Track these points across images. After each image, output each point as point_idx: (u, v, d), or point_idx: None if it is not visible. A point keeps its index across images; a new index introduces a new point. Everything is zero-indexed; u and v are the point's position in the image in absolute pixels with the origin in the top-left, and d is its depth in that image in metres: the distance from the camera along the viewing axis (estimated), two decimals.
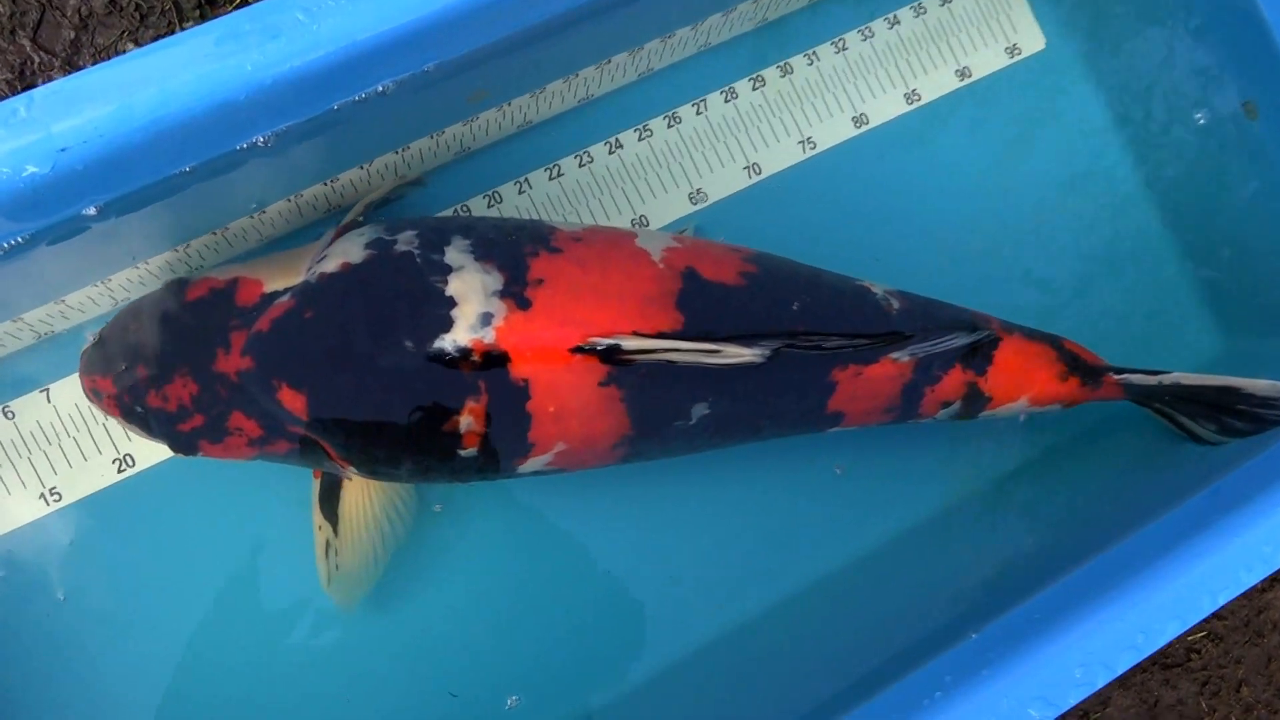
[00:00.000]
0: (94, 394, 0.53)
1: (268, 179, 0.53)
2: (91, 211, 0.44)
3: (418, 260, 0.49)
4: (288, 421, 0.51)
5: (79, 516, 0.59)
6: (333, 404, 0.49)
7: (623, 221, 0.65)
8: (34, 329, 0.57)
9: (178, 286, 0.53)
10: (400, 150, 0.57)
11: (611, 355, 0.48)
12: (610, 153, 0.64)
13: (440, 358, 0.48)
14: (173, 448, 0.52)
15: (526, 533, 0.63)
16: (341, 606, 0.59)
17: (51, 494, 0.59)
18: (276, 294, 0.51)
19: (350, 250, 0.51)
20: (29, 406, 0.59)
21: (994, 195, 0.69)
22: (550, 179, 0.64)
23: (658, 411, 0.52)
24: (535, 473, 0.54)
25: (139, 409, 0.52)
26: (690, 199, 0.65)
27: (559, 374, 0.48)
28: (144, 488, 0.60)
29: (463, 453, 0.51)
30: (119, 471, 0.60)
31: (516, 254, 0.51)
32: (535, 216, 0.64)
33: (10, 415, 0.59)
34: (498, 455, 0.52)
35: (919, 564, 0.65)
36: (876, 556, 0.65)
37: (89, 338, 0.54)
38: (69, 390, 0.59)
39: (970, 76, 0.70)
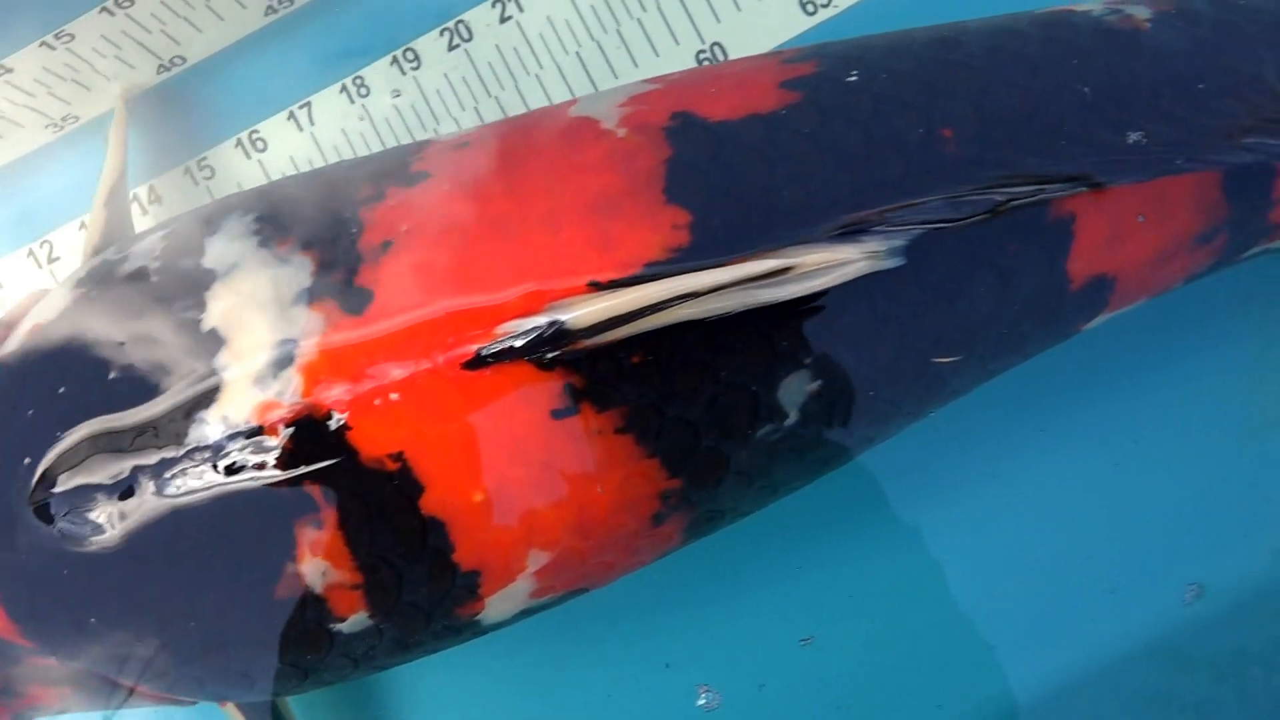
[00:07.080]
0: None
1: None
2: None
3: (153, 281, 0.29)
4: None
5: None
6: (49, 596, 0.30)
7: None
8: None
9: None
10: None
11: (559, 347, 0.25)
12: None
13: (209, 460, 0.27)
14: None
15: None
16: None
17: None
18: None
19: (48, 304, 0.32)
20: None
21: None
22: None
23: (704, 427, 0.28)
24: (541, 607, 0.31)
25: None
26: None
27: (459, 423, 0.25)
28: None
29: (339, 627, 0.27)
30: None
31: (345, 209, 0.29)
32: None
33: None
34: (420, 613, 0.28)
35: None
36: None
37: None
38: None
39: None
